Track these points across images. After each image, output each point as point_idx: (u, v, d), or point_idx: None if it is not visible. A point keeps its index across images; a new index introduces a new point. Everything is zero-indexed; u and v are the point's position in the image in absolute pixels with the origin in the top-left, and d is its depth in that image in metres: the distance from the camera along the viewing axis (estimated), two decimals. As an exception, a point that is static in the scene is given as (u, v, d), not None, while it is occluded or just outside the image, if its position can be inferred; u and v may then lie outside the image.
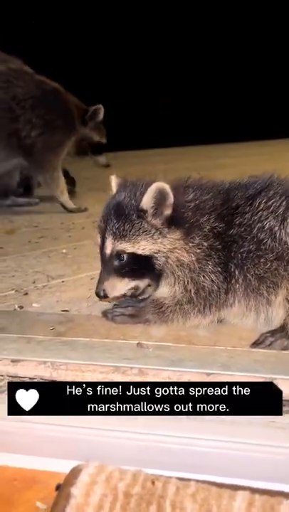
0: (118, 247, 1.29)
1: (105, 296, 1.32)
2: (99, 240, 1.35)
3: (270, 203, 1.29)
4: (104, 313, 1.40)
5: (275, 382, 0.97)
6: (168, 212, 1.28)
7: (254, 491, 0.84)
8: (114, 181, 1.41)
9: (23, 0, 4.74)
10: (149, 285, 1.38)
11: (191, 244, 1.29)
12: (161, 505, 0.80)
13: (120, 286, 1.31)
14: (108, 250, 1.31)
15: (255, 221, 1.28)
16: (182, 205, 1.32)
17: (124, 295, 1.37)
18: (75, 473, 0.86)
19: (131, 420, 0.94)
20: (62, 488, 0.83)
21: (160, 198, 1.27)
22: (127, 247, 1.28)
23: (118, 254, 1.29)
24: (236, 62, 5.70)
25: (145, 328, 1.34)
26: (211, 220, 1.30)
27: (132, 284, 1.33)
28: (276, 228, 1.26)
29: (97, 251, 2.12)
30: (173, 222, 1.29)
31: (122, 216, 1.29)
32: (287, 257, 1.24)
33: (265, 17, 5.58)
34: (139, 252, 1.28)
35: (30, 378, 1.07)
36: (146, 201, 1.27)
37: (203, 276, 1.28)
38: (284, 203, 1.28)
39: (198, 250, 1.29)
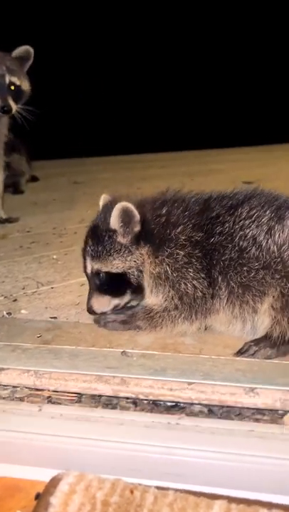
0: (95, 267, 1.38)
1: (94, 313, 1.41)
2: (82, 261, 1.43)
3: (252, 212, 1.30)
4: (97, 320, 1.43)
5: (255, 391, 0.98)
6: (137, 229, 1.35)
7: (231, 500, 0.85)
8: (102, 200, 1.47)
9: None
10: (130, 300, 1.43)
11: (161, 258, 1.34)
12: (139, 515, 0.81)
13: (104, 303, 1.39)
14: (88, 270, 1.40)
15: (237, 230, 1.29)
16: (152, 221, 1.37)
17: (111, 310, 1.40)
18: (54, 482, 0.87)
19: (111, 429, 0.95)
20: (42, 498, 0.84)
21: (126, 217, 1.34)
22: (102, 266, 1.36)
23: (97, 274, 1.38)
24: (229, 67, 5.72)
25: (132, 336, 1.35)
26: (187, 230, 1.33)
27: (115, 301, 1.39)
28: (261, 237, 1.27)
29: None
30: (142, 237, 1.36)
31: (96, 238, 1.38)
32: (275, 266, 1.25)
33: (260, 27, 5.61)
34: (113, 270, 1.36)
35: (13, 387, 1.08)
36: (114, 221, 1.36)
37: (184, 283, 1.31)
38: (267, 212, 1.30)
39: (172, 260, 1.32)
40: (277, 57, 5.63)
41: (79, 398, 1.06)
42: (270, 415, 0.98)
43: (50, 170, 4.51)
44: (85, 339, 1.34)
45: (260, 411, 1.00)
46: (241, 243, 1.28)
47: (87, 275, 1.43)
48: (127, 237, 1.36)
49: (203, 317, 1.33)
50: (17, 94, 2.50)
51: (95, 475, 0.88)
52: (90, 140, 5.46)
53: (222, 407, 1.01)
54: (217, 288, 1.30)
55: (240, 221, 1.30)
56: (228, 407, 0.99)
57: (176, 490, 0.86)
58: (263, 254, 1.26)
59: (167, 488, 0.87)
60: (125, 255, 1.35)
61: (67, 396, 1.05)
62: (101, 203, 1.46)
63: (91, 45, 5.52)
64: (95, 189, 3.69)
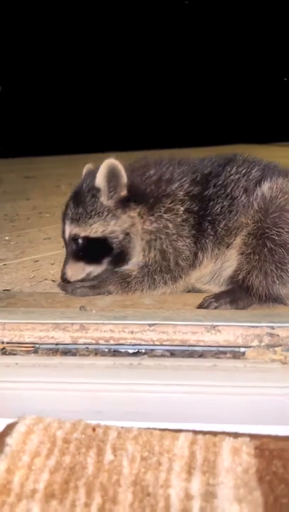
0: (73, 232, 1.33)
1: (67, 281, 1.34)
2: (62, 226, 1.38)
3: (240, 168, 1.37)
4: (64, 288, 1.36)
5: (216, 328, 0.97)
6: (123, 193, 1.33)
7: (197, 431, 0.83)
8: (85, 170, 1.44)
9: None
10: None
11: (157, 214, 1.33)
12: (102, 449, 0.77)
13: (77, 271, 1.34)
14: (66, 235, 1.35)
15: (229, 182, 1.34)
16: (142, 183, 1.36)
17: (83, 279, 1.36)
18: (11, 426, 0.81)
19: (71, 372, 0.91)
20: (-3, 440, 0.78)
21: (113, 176, 1.31)
22: (80, 231, 1.32)
23: (74, 239, 1.33)
24: (193, 68, 5.84)
25: (91, 299, 1.31)
26: (184, 186, 1.34)
27: (89, 269, 1.34)
28: (251, 187, 1.32)
29: (42, 236, 2.12)
30: (132, 200, 1.33)
31: (79, 200, 1.33)
32: (255, 203, 1.29)
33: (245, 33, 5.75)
34: (92, 235, 1.32)
35: None
36: (100, 179, 1.32)
37: (181, 240, 1.31)
38: (254, 170, 1.36)
39: (173, 216, 1.32)
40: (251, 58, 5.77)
41: (36, 349, 1.00)
42: (232, 353, 0.98)
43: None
44: (41, 305, 1.28)
45: (222, 351, 0.99)
46: (233, 192, 1.33)
47: (65, 241, 1.37)
48: (111, 200, 1.33)
49: (186, 275, 1.34)
50: None
51: (54, 418, 0.83)
52: (44, 138, 5.38)
53: (184, 351, 0.99)
54: (204, 238, 1.32)
55: (231, 175, 1.35)
56: (190, 346, 0.97)
57: (140, 427, 0.83)
58: (249, 200, 1.30)
59: (131, 427, 0.83)
60: (108, 219, 1.32)
61: (23, 347, 0.99)
62: (84, 171, 1.43)
63: (88, 51, 5.46)
64: (47, 183, 3.65)
